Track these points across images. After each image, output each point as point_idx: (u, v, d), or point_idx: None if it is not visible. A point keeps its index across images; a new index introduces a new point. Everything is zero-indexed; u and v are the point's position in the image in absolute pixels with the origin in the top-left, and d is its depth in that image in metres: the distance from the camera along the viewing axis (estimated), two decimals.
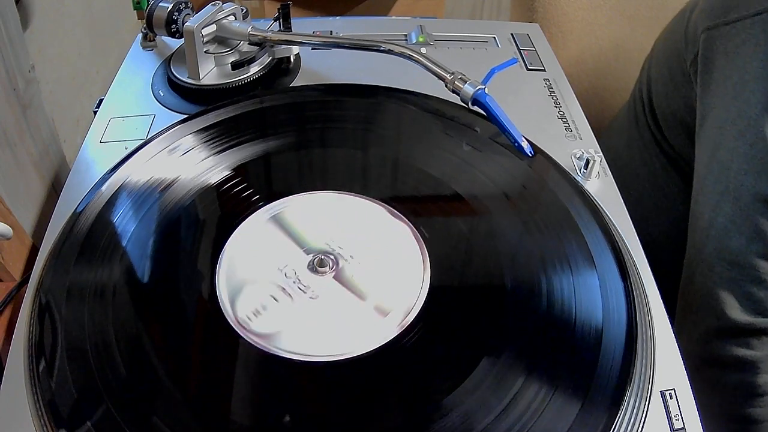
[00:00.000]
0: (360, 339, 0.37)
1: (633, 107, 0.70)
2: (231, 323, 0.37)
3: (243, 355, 0.36)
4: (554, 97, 0.56)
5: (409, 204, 0.45)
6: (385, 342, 0.36)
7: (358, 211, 0.44)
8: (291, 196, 0.45)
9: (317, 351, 0.36)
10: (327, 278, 0.40)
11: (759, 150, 0.49)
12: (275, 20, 0.57)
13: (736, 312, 0.49)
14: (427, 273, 0.40)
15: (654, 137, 0.66)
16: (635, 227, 0.44)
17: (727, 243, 0.50)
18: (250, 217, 0.43)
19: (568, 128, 0.52)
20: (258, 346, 0.36)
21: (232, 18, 0.56)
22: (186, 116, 0.51)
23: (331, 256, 0.41)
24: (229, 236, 0.42)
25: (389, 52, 0.51)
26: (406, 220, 0.43)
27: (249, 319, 0.37)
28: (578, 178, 0.47)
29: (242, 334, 0.37)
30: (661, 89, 0.64)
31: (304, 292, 0.39)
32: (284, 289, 0.39)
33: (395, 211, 0.44)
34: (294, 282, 0.40)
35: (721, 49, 0.53)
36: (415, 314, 0.38)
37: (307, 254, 0.41)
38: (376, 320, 0.38)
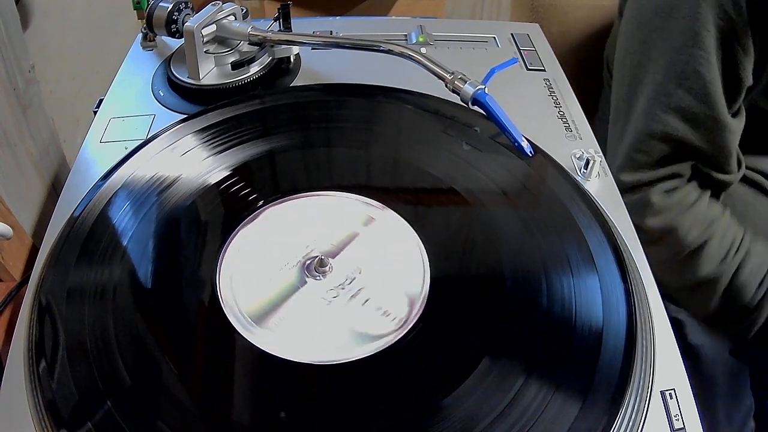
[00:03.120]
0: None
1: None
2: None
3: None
4: (554, 97, 0.56)
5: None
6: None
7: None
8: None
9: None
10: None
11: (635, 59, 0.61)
12: (275, 20, 0.57)
13: None
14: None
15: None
16: None
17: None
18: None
19: (568, 128, 0.52)
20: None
21: (232, 18, 0.56)
22: (186, 116, 0.51)
23: (330, 259, 0.41)
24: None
25: (389, 52, 0.51)
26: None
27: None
28: (578, 178, 0.47)
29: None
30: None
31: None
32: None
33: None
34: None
35: None
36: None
37: (307, 255, 0.41)
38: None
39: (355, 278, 0.40)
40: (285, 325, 0.37)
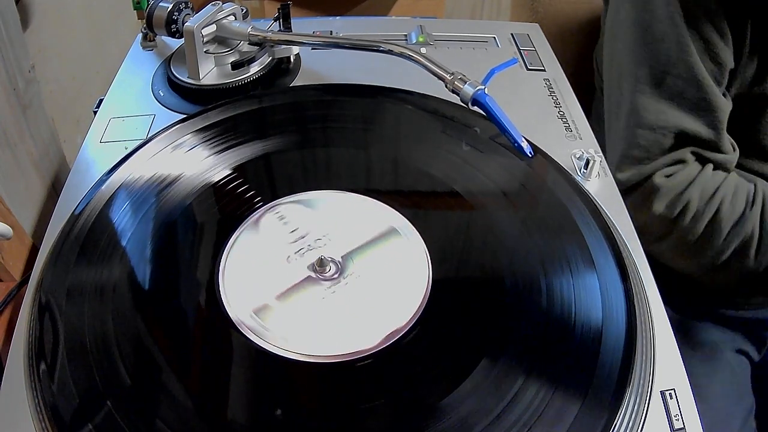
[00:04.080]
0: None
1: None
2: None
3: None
4: (554, 97, 0.56)
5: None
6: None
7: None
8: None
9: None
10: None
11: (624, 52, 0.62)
12: (275, 20, 0.57)
13: None
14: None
15: None
16: None
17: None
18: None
19: (568, 128, 0.52)
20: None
21: (232, 18, 0.56)
22: (186, 116, 0.51)
23: (331, 259, 0.41)
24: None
25: (389, 52, 0.51)
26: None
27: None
28: (578, 178, 0.47)
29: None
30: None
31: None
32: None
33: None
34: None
35: None
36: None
37: (307, 255, 0.41)
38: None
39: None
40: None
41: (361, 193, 0.45)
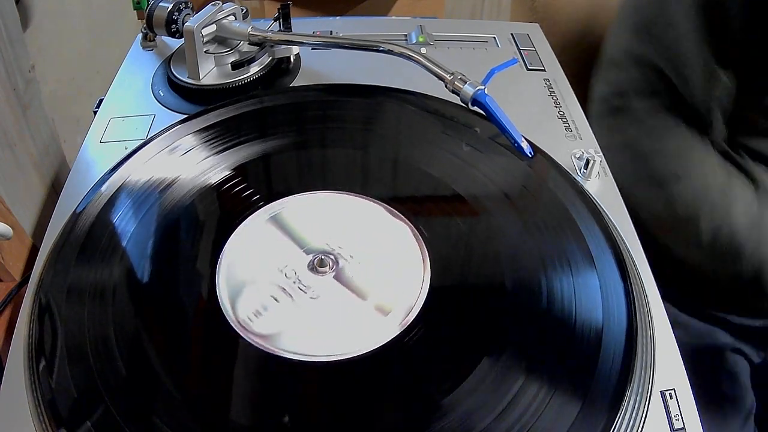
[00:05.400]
0: (361, 338, 0.37)
1: None
2: (231, 323, 0.37)
3: (243, 355, 0.36)
4: (554, 97, 0.56)
5: (409, 204, 0.45)
6: (385, 342, 0.36)
7: (358, 211, 0.44)
8: (291, 197, 0.45)
9: (317, 351, 0.36)
10: (327, 278, 0.40)
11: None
12: (275, 20, 0.57)
13: None
14: (427, 273, 0.40)
15: None
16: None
17: None
18: (250, 218, 0.43)
19: (568, 128, 0.52)
20: (258, 347, 0.36)
21: (232, 18, 0.56)
22: (186, 116, 0.51)
23: (331, 256, 0.41)
24: (229, 236, 0.42)
25: (389, 52, 0.51)
26: (406, 220, 0.44)
27: (250, 319, 0.37)
28: (578, 178, 0.47)
29: (243, 335, 0.37)
30: None
31: (305, 292, 0.39)
32: (284, 289, 0.39)
33: (395, 211, 0.44)
34: (294, 282, 0.40)
35: None
36: (415, 314, 0.38)
37: (307, 254, 0.41)
38: (376, 319, 0.38)
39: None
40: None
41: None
